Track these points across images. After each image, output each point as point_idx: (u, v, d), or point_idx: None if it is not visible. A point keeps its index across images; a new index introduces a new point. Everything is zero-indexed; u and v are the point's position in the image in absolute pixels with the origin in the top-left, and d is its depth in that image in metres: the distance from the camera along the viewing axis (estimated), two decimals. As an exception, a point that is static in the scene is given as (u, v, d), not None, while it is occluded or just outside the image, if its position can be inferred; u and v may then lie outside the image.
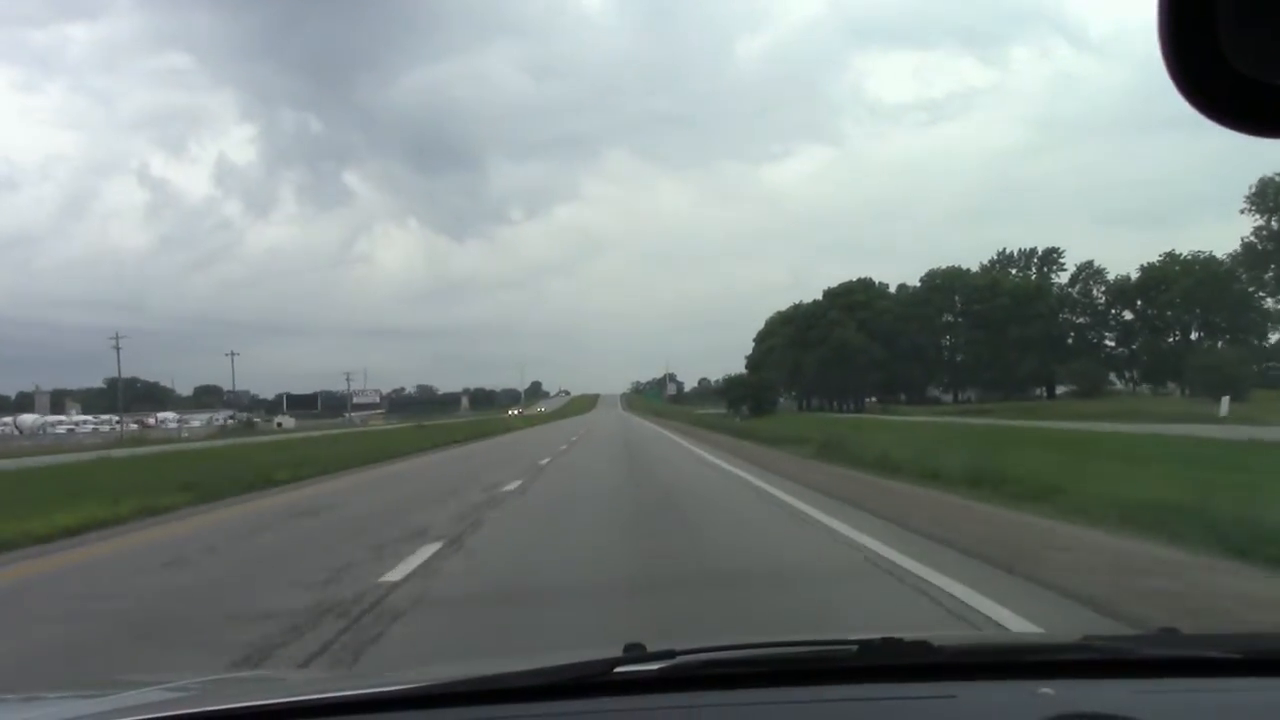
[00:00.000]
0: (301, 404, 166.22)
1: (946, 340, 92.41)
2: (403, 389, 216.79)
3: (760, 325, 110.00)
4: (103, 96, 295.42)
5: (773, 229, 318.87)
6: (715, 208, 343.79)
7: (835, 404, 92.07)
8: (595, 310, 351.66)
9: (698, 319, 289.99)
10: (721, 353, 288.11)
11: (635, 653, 1.65)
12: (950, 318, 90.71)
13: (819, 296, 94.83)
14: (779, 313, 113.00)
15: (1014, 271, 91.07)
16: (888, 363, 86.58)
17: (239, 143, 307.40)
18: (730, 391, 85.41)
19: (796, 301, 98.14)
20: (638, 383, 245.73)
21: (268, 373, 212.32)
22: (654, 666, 1.60)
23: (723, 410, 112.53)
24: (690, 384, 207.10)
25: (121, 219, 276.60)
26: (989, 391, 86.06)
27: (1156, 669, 1.59)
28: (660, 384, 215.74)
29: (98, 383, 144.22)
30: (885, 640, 1.63)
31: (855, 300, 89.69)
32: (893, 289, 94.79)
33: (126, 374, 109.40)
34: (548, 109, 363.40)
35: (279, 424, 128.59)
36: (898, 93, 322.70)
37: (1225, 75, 0.86)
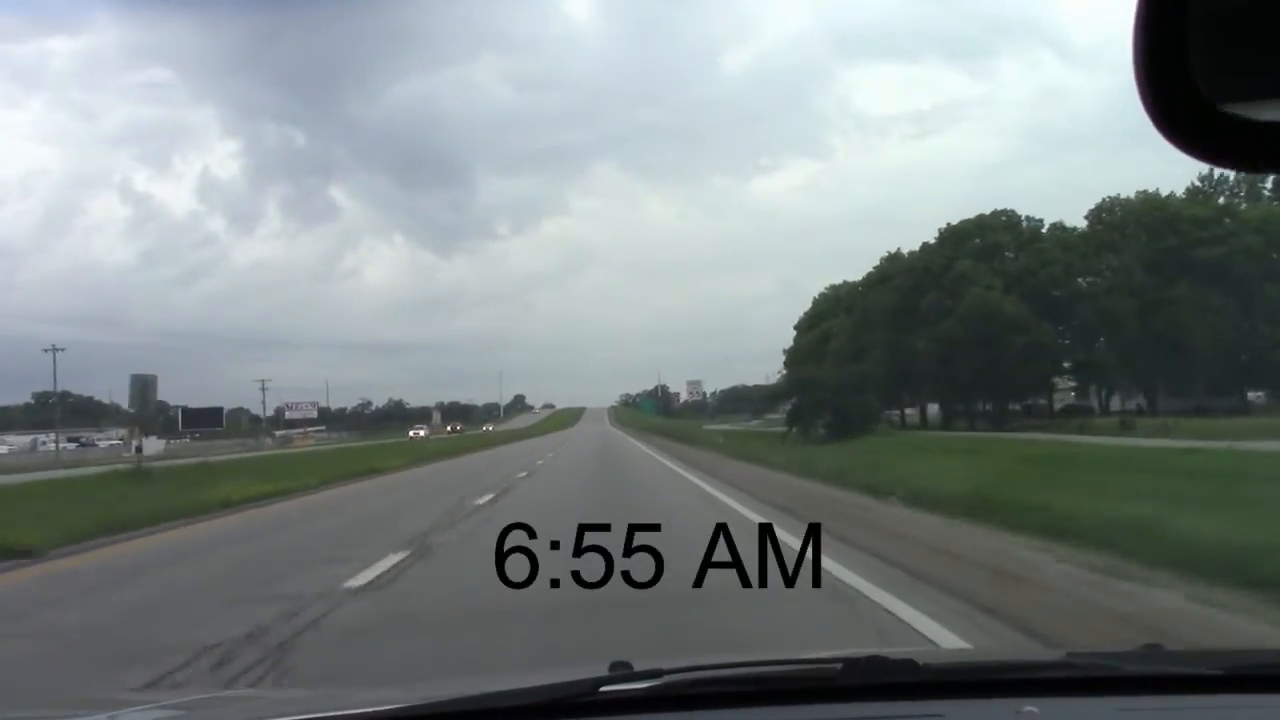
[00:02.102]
0: (206, 419, 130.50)
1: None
2: (369, 402, 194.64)
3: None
4: (84, 111, 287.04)
5: (761, 242, 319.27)
6: (703, 220, 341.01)
7: (964, 410, 57.67)
8: (582, 324, 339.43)
9: (687, 333, 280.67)
10: (712, 367, 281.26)
11: (621, 671, 1.64)
12: (1142, 272, 55.44)
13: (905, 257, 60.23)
14: (833, 288, 78.76)
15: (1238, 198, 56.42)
16: (1055, 344, 51.80)
17: (221, 157, 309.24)
18: (800, 392, 50.73)
19: (885, 255, 62.82)
20: (627, 395, 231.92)
21: (249, 387, 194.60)
22: (640, 686, 1.59)
23: (744, 425, 79.37)
24: (683, 396, 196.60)
25: (103, 233, 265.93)
26: (1219, 392, 51.37)
27: (1139, 686, 1.59)
28: (654, 395, 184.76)
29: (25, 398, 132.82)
30: (870, 659, 1.63)
31: (996, 243, 55.08)
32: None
33: (82, 389, 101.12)
34: (534, 122, 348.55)
35: (137, 447, 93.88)
36: (885, 105, 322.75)
37: (1200, 110, 0.89)
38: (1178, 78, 0.88)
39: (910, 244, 61.74)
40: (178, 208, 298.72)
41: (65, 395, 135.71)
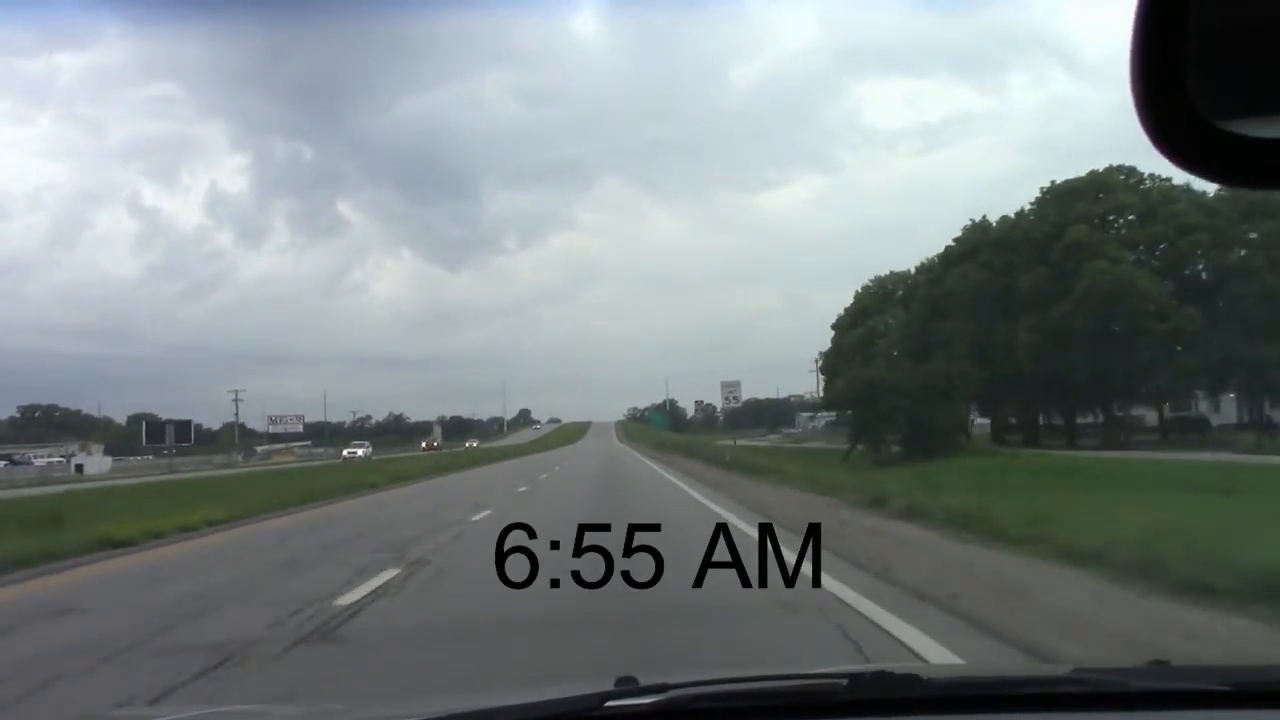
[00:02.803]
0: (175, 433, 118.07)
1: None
2: (368, 417, 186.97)
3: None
4: (93, 126, 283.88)
5: (769, 256, 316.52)
6: (711, 235, 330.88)
7: (1066, 422, 44.94)
8: (589, 339, 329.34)
9: (694, 347, 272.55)
10: (717, 381, 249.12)
11: (627, 686, 1.64)
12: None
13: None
14: (879, 280, 66.30)
15: None
16: (1201, 334, 38.79)
17: (229, 172, 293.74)
18: (862, 401, 38.03)
19: (968, 224, 50.03)
20: (634, 409, 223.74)
21: (253, 402, 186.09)
22: (646, 701, 1.58)
23: (766, 441, 67.42)
24: (690, 411, 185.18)
25: (109, 247, 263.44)
26: None
27: (1145, 701, 1.57)
28: (662, 408, 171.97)
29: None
30: (876, 674, 1.63)
31: (1118, 204, 42.26)
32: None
33: (69, 402, 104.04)
34: (542, 136, 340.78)
35: (77, 466, 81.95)
36: (893, 120, 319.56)
37: (1197, 127, 0.91)
38: (1175, 95, 0.89)
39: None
40: (185, 222, 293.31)
41: (53, 409, 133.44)
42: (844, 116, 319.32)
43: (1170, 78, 0.89)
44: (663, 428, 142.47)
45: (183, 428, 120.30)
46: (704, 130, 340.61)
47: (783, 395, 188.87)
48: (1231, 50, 0.88)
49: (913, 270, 57.55)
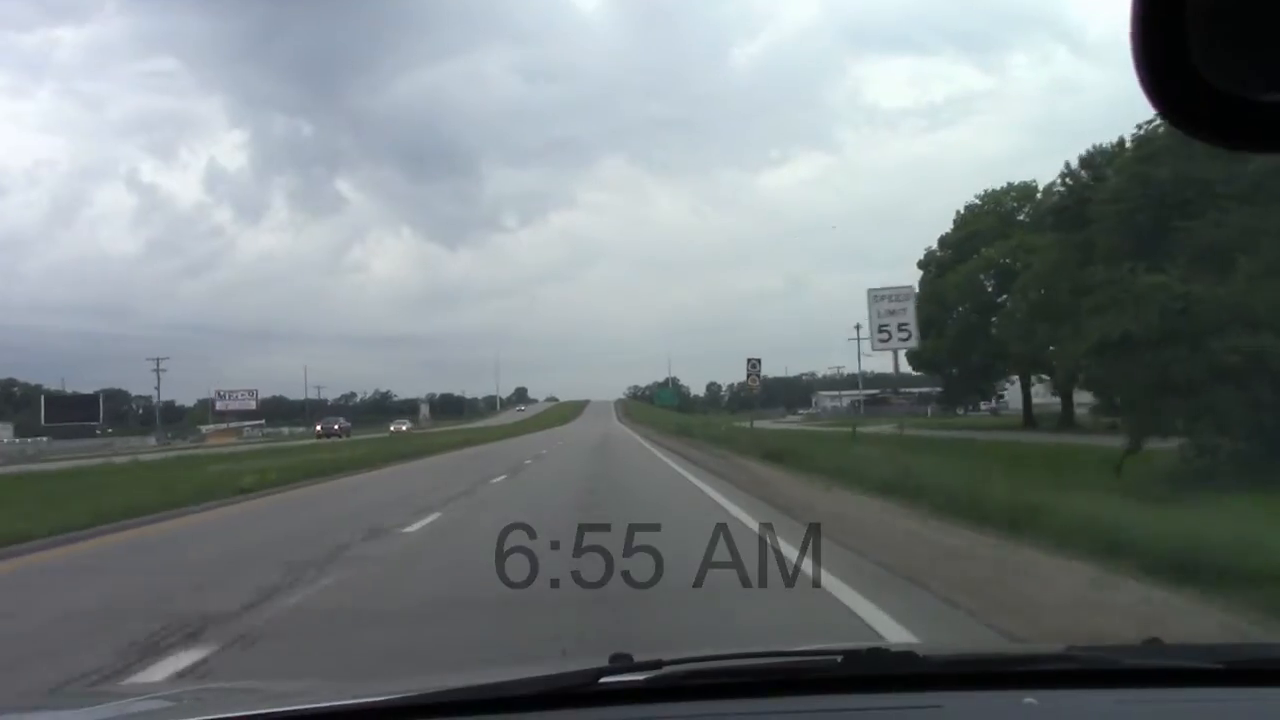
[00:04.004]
0: (79, 410, 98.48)
1: None
2: (353, 394, 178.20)
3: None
4: (91, 101, 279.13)
5: (771, 235, 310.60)
6: (713, 214, 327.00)
7: None
8: (589, 318, 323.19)
9: (696, 326, 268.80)
10: (720, 360, 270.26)
11: (621, 662, 1.63)
12: None
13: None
14: (989, 195, 47.30)
15: None
16: None
17: (228, 148, 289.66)
18: (1127, 349, 18.30)
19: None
20: (635, 387, 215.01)
21: (251, 380, 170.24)
22: (640, 677, 1.57)
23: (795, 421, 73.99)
24: (696, 390, 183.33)
25: (109, 224, 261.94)
26: None
27: (1139, 679, 1.59)
28: (667, 385, 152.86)
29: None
30: (871, 650, 1.65)
31: None
32: None
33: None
34: (543, 113, 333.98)
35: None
36: (896, 99, 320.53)
37: (1198, 90, 0.90)
38: (1175, 58, 0.88)
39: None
40: (184, 199, 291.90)
41: (10, 383, 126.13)
42: (846, 95, 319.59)
43: (1171, 40, 0.87)
44: (671, 406, 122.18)
45: (88, 404, 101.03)
46: (706, 108, 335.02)
47: (793, 374, 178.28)
48: (1233, 14, 0.87)
49: (1069, 170, 37.51)
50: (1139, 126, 29.78)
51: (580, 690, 1.54)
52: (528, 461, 27.28)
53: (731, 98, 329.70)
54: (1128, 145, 31.98)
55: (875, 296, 20.68)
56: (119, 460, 33.45)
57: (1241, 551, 6.43)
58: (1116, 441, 18.44)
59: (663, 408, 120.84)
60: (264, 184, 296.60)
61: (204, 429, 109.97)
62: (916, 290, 27.29)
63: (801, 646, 1.89)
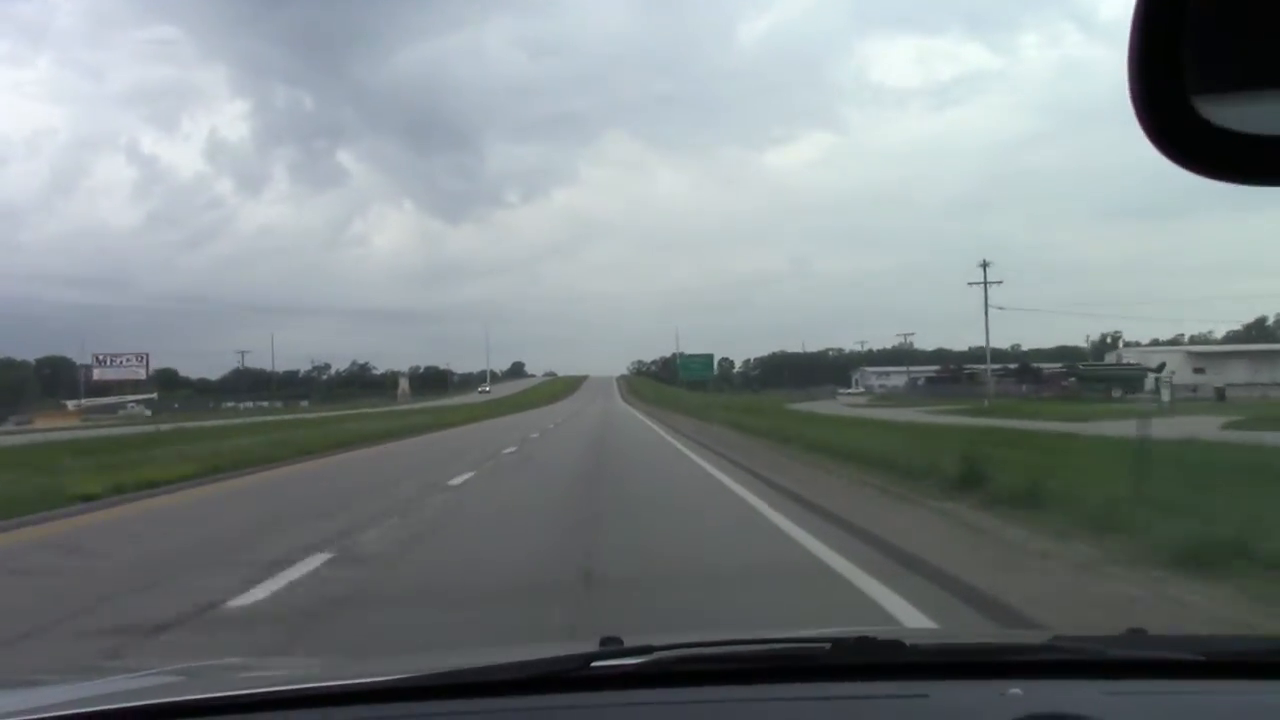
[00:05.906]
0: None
1: None
2: (326, 365, 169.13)
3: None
4: (91, 70, 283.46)
5: (776, 213, 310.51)
6: (717, 191, 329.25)
7: None
8: (591, 294, 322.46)
9: (699, 304, 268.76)
10: (725, 337, 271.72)
11: (612, 647, 1.66)
12: None
13: None
14: None
15: None
16: None
17: (230, 119, 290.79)
18: None
19: None
20: (640, 362, 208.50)
21: (252, 351, 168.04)
22: (630, 662, 1.60)
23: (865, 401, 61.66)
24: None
25: (109, 195, 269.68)
26: None
27: (1123, 670, 1.61)
28: (672, 361, 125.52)
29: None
30: (859, 639, 1.66)
31: None
32: None
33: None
34: (546, 88, 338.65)
35: None
36: (903, 78, 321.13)
37: (1194, 124, 0.89)
38: (1173, 93, 0.87)
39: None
40: (185, 169, 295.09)
41: None
42: (853, 73, 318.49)
43: (1169, 75, 0.87)
44: (706, 381, 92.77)
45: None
46: (710, 86, 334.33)
47: (811, 350, 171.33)
48: (1229, 46, 0.86)
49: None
50: None
51: (571, 674, 1.55)
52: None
53: (737, 75, 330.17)
54: None
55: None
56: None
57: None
58: None
59: (690, 382, 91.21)
60: (265, 155, 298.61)
61: (72, 404, 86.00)
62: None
63: (790, 634, 1.94)
